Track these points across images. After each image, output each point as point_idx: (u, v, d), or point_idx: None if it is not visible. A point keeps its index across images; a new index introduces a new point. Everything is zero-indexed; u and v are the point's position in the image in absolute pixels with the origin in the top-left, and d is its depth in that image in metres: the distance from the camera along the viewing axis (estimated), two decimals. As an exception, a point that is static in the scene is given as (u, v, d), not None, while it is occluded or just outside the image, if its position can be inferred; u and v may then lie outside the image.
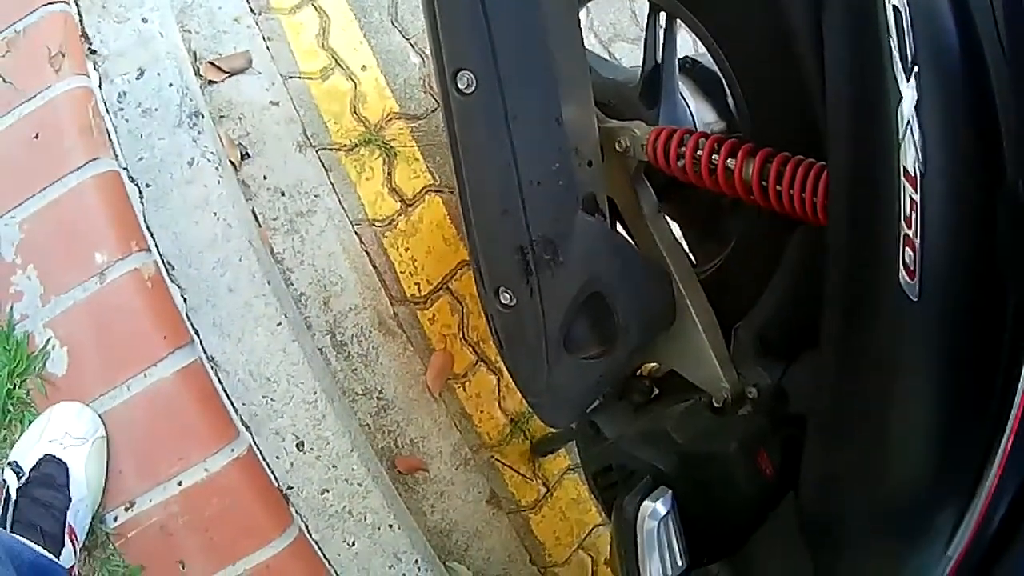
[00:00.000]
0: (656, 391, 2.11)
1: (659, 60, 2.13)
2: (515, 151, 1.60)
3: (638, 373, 2.15)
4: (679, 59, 2.17)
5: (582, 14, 2.44)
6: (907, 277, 1.19)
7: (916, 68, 1.18)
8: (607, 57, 3.63)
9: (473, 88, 1.57)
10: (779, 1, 1.58)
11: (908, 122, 1.18)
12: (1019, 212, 1.11)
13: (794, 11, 1.54)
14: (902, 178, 1.19)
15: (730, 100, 2.07)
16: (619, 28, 3.77)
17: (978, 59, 1.16)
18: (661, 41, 2.11)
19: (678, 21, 2.03)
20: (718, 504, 1.82)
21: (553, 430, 2.89)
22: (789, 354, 1.77)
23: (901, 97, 1.19)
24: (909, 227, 1.18)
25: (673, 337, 1.92)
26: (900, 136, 1.19)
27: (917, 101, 1.17)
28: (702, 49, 1.98)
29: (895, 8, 1.20)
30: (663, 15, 2.08)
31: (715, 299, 1.94)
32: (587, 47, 2.16)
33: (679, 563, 1.79)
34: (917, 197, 1.17)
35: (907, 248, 1.19)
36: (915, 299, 1.19)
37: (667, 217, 2.11)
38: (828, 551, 1.50)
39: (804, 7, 1.50)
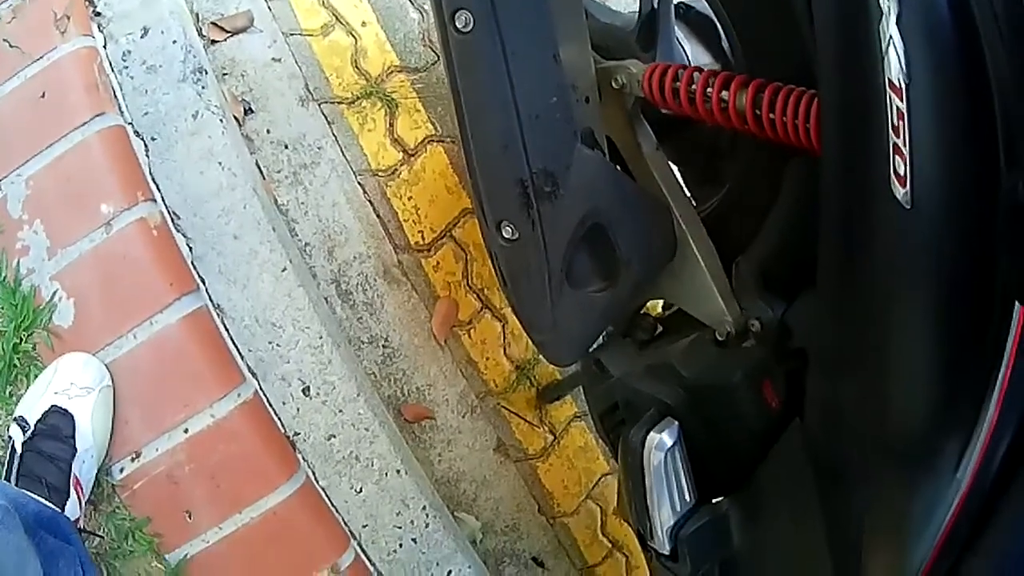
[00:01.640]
0: (660, 329, 2.12)
1: (655, 4, 2.13)
2: (514, 86, 1.61)
3: (642, 312, 2.16)
4: (676, 5, 2.17)
5: (579, -36, 2.46)
6: (899, 185, 1.19)
7: None
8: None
9: (471, 27, 1.58)
10: None
11: (890, 36, 1.17)
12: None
13: None
14: (888, 89, 1.19)
15: (724, 43, 2.10)
16: None
17: None
18: None
19: None
20: (725, 437, 1.82)
21: (559, 377, 2.91)
22: (791, 288, 1.77)
23: (882, 13, 1.18)
24: (898, 136, 1.18)
25: (675, 272, 1.92)
26: (884, 49, 1.19)
27: (898, 15, 1.17)
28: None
29: None
30: None
31: (715, 236, 1.94)
32: None
33: (687, 498, 1.79)
34: (904, 107, 1.17)
35: (897, 157, 1.19)
36: (908, 207, 1.19)
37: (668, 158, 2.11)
38: (837, 481, 1.50)
39: None
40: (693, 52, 2.17)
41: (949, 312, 1.23)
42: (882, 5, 1.18)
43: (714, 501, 1.83)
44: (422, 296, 2.90)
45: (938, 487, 1.25)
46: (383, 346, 2.79)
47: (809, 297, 1.73)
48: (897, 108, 1.18)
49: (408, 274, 2.89)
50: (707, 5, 2.03)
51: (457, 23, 1.59)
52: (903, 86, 1.17)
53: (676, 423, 1.80)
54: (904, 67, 1.16)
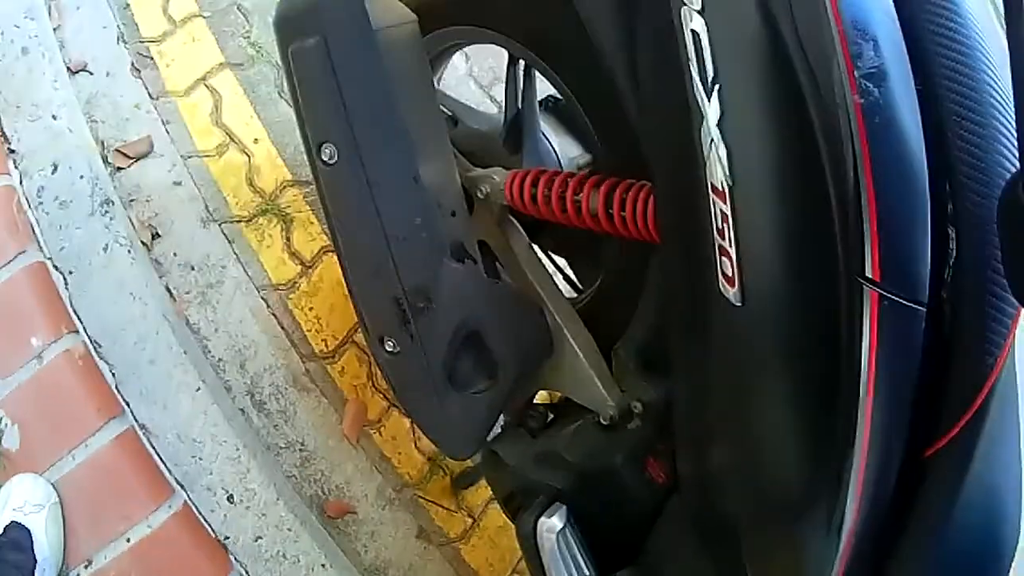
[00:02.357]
0: (551, 416, 2.27)
1: (520, 106, 2.27)
2: (379, 212, 1.81)
3: (533, 401, 2.30)
4: (543, 99, 2.32)
5: (461, 60, 2.59)
6: (727, 286, 1.31)
7: (717, 86, 1.27)
8: (488, 99, 3.74)
9: (335, 159, 1.80)
10: (602, 46, 1.62)
11: (712, 140, 1.29)
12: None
13: (610, 51, 1.60)
14: (711, 193, 1.30)
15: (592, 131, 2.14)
16: (498, 72, 3.77)
17: (784, 71, 1.22)
18: (521, 88, 2.26)
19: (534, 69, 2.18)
20: (617, 514, 1.97)
21: (471, 463, 3.01)
22: (669, 366, 1.81)
23: (704, 116, 1.29)
24: (723, 238, 1.30)
25: (556, 364, 2.09)
26: (705, 154, 1.31)
27: (720, 117, 1.27)
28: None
29: (694, 32, 1.29)
30: (522, 63, 2.23)
31: (596, 323, 2.10)
32: (466, 92, 2.30)
33: (586, 573, 1.94)
34: (728, 210, 1.28)
35: (724, 258, 1.31)
36: (738, 304, 1.31)
37: (547, 249, 2.30)
38: (722, 544, 1.63)
39: (618, 46, 1.57)
40: (561, 145, 2.30)
41: (795, 391, 1.36)
42: (703, 108, 1.29)
43: (615, 574, 1.96)
44: (331, 400, 3.03)
45: (818, 541, 1.36)
46: (300, 450, 2.94)
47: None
48: (721, 211, 1.29)
49: (316, 381, 3.03)
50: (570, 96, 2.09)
51: (323, 155, 1.81)
52: (726, 189, 1.28)
53: (564, 507, 1.95)
54: (728, 171, 1.27)
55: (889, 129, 1.17)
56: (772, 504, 1.48)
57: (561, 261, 2.55)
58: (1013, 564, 1.32)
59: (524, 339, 2.06)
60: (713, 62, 1.27)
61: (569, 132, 2.37)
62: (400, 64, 1.90)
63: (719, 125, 1.28)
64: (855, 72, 1.15)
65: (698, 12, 1.28)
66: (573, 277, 2.56)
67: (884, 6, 1.19)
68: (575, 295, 2.40)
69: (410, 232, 1.86)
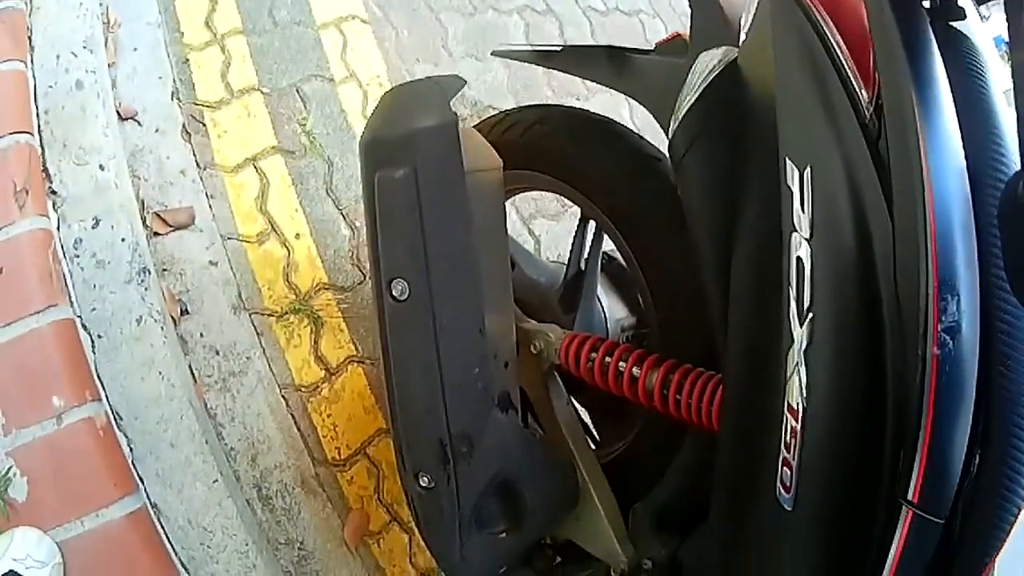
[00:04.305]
0: (559, 559, 2.35)
1: (582, 267, 2.37)
2: (440, 357, 1.83)
3: (543, 541, 2.33)
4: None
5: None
6: (783, 491, 1.42)
7: (811, 315, 1.38)
8: (527, 231, 3.90)
9: (406, 296, 1.80)
10: (696, 232, 1.74)
11: (796, 363, 1.39)
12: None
13: (707, 244, 1.72)
14: (786, 411, 1.41)
15: (640, 296, 2.28)
16: (540, 204, 4.02)
17: (872, 314, 1.34)
18: (588, 249, 2.35)
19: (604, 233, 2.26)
20: None
21: None
22: (684, 528, 1.98)
23: (792, 341, 1.40)
24: (788, 451, 1.40)
25: (576, 516, 2.17)
26: (788, 375, 1.41)
27: (807, 346, 1.38)
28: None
29: (799, 260, 1.41)
30: (592, 224, 2.34)
31: (619, 477, 2.18)
32: (509, 229, 2.30)
33: None
34: (798, 427, 1.39)
35: (785, 468, 1.42)
36: (790, 508, 1.42)
37: (577, 404, 2.35)
38: None
39: (717, 243, 1.69)
40: (610, 305, 2.40)
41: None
42: (794, 333, 1.40)
43: None
44: (336, 506, 3.10)
45: None
46: (299, 548, 2.98)
47: (700, 535, 1.97)
48: (792, 427, 1.40)
49: (324, 486, 3.11)
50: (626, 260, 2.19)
51: (394, 290, 1.80)
52: (801, 410, 1.39)
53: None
54: (804, 395, 1.38)
55: (955, 382, 1.29)
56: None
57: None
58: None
59: (553, 491, 2.13)
60: (811, 292, 1.40)
61: (619, 293, 2.48)
62: (482, 210, 1.96)
63: (804, 352, 1.40)
64: (939, 325, 1.28)
65: (806, 240, 1.42)
66: (593, 430, 2.65)
67: (971, 261, 1.31)
68: (595, 448, 2.47)
69: (466, 380, 1.89)
